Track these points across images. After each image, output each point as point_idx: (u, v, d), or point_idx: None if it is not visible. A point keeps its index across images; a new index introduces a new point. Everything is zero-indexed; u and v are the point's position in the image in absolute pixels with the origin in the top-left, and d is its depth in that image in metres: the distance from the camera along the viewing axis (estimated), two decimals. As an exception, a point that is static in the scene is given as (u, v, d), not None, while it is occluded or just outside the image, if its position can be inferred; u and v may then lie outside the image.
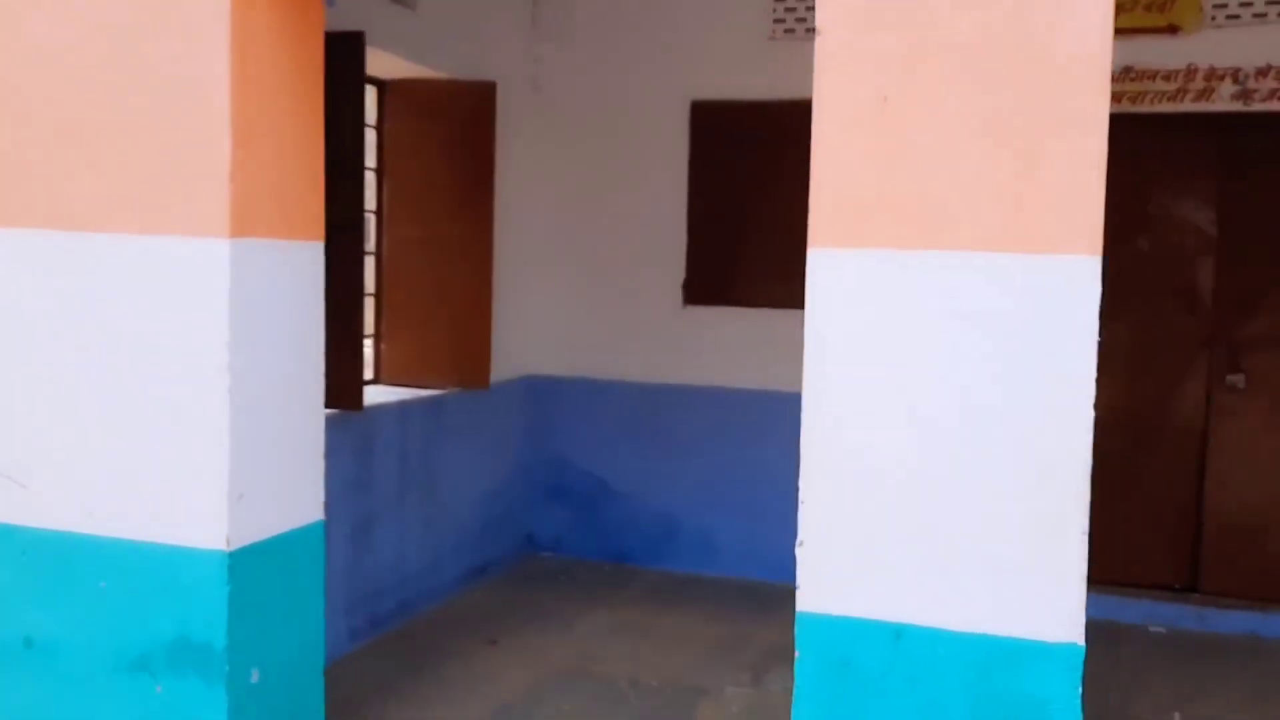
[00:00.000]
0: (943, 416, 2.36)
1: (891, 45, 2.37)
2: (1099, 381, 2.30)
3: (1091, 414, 2.30)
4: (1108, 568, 5.32)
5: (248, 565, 2.81)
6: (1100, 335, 5.35)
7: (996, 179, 2.32)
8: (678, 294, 5.97)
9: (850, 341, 2.41)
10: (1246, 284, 5.28)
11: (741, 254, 5.90)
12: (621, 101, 5.97)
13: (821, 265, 2.42)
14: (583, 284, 6.11)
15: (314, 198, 3.06)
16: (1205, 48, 5.12)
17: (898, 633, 2.40)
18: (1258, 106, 5.10)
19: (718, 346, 5.91)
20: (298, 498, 3.00)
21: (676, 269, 5.97)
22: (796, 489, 5.62)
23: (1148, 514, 5.48)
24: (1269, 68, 5.05)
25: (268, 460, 2.89)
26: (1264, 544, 5.29)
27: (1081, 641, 2.32)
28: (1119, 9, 2.28)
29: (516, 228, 5.75)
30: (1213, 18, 5.10)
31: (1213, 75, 5.13)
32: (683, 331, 5.97)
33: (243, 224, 2.77)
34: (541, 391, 6.15)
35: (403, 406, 5.00)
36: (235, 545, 2.77)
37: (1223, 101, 5.14)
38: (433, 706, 4.12)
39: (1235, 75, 5.10)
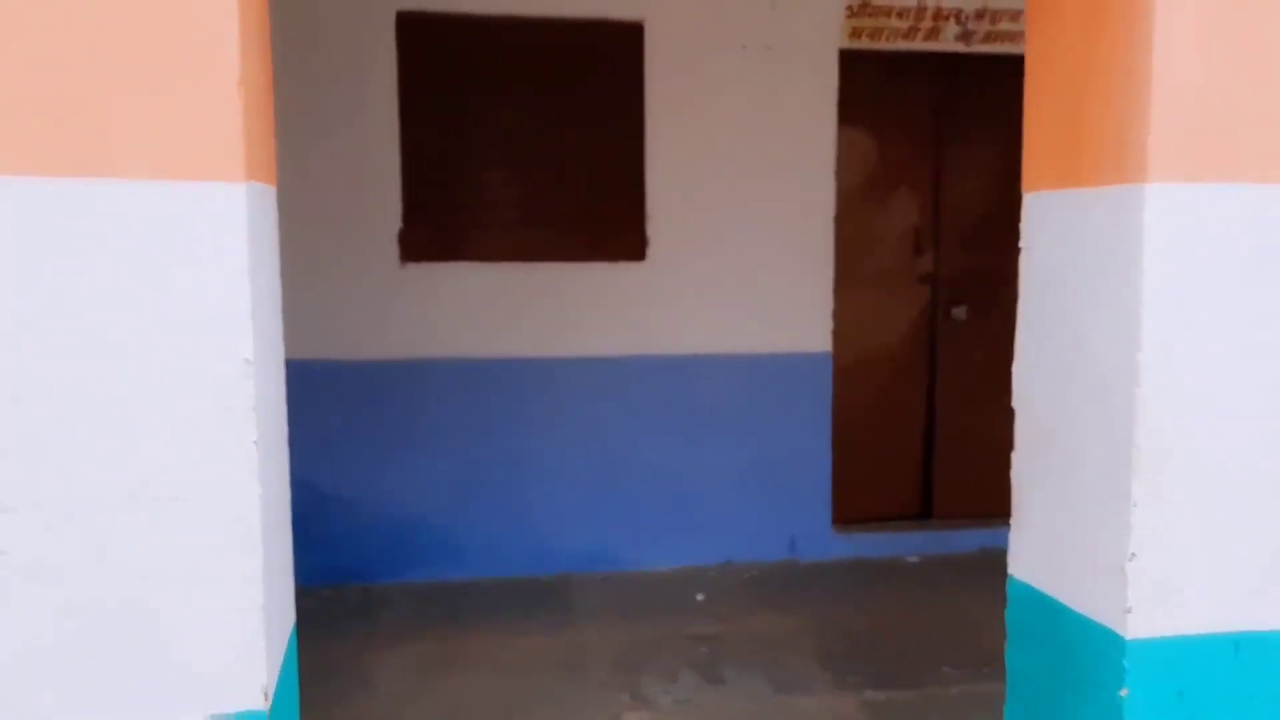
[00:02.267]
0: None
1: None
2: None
3: None
4: (856, 507, 5.37)
5: None
6: (835, 275, 5.30)
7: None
8: (393, 249, 4.90)
9: (1190, 300, 1.90)
10: (965, 221, 5.53)
11: (471, 199, 4.97)
12: (311, 11, 4.70)
13: (1160, 204, 1.87)
14: (268, 241, 4.77)
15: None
16: (933, -13, 5.21)
17: (1236, 644, 1.99)
18: (976, 48, 5.30)
19: (446, 310, 4.96)
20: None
21: (390, 219, 4.88)
22: (559, 469, 5.07)
23: (885, 448, 5.60)
24: (986, 10, 5.26)
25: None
26: (986, 465, 5.63)
27: None
28: None
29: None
30: (938, -42, 5.20)
31: (939, 15, 5.24)
32: (401, 294, 4.92)
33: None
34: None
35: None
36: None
37: (947, 42, 5.28)
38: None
39: (958, 16, 5.25)
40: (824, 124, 5.17)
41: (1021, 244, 2.26)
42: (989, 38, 5.28)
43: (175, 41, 1.50)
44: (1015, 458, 2.30)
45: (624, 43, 4.98)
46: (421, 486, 4.96)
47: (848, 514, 5.49)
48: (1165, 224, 1.89)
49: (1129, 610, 1.95)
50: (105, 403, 1.55)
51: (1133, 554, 1.94)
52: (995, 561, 5.26)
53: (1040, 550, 2.22)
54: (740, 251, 5.15)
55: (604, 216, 5.07)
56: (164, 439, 1.54)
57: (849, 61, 5.18)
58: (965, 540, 5.49)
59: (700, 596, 4.88)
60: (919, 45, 5.25)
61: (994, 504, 5.52)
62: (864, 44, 5.18)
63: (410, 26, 4.81)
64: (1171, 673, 1.98)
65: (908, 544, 5.47)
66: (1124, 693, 1.97)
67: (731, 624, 4.55)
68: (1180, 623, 1.97)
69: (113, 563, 1.54)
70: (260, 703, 1.60)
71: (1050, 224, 2.17)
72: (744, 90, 5.06)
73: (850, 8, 5.14)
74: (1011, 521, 2.32)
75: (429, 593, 4.87)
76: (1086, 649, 2.07)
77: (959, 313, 5.51)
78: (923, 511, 5.64)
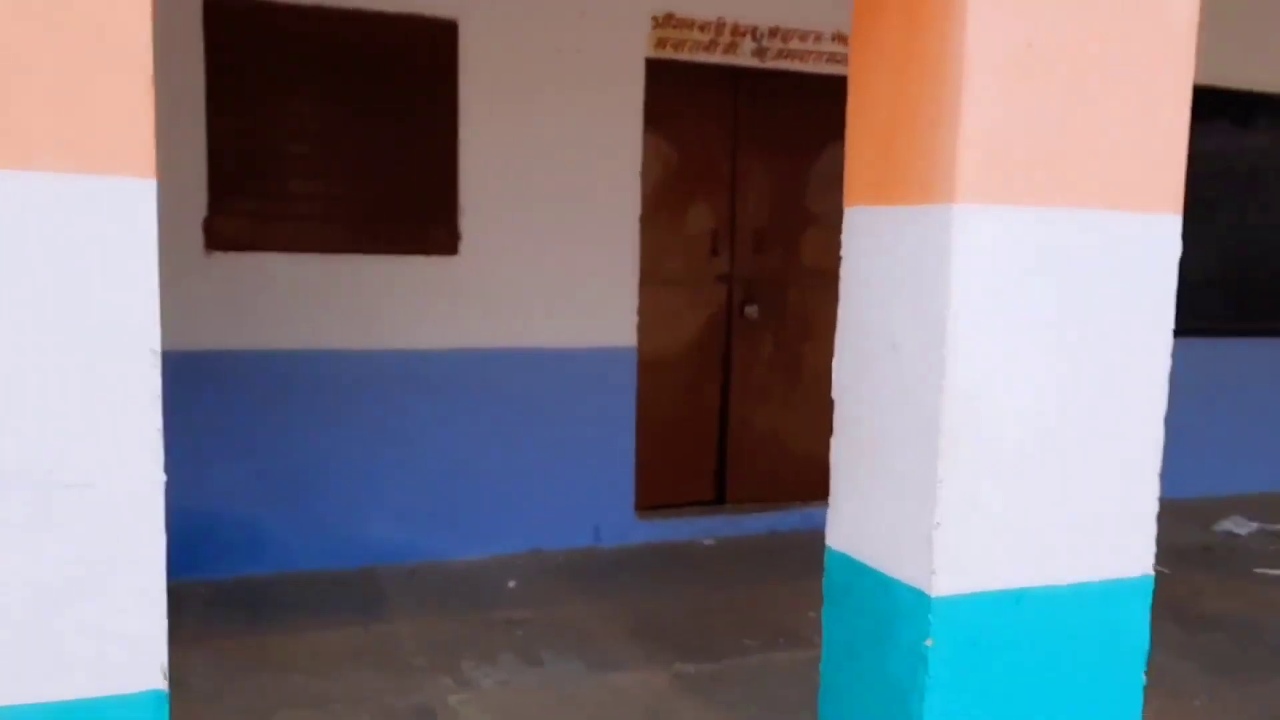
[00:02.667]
0: (1059, 379, 2.32)
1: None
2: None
3: (1167, 364, 2.43)
4: (657, 494, 5.68)
5: None
6: (640, 274, 5.56)
7: (1118, 135, 2.30)
8: (199, 237, 4.78)
9: (987, 306, 2.23)
10: (758, 224, 5.91)
11: (280, 190, 4.92)
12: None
13: (964, 222, 2.18)
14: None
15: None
16: (733, 4, 5.54)
17: (1018, 599, 2.35)
18: (770, 64, 5.68)
19: (253, 301, 4.89)
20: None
21: (197, 207, 4.77)
22: (365, 462, 5.07)
23: (683, 438, 5.91)
24: (779, 29, 5.64)
25: None
26: (774, 453, 6.05)
27: (1152, 571, 2.49)
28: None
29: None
30: (736, -24, 5.54)
31: (737, 30, 5.58)
32: (207, 286, 4.81)
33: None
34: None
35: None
36: None
37: (744, 57, 5.63)
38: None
39: (753, 33, 5.60)
40: (630, 129, 5.41)
41: (842, 253, 2.54)
42: (781, 55, 5.67)
43: (94, 38, 1.52)
44: (834, 443, 2.58)
45: (438, 40, 5.05)
46: (223, 480, 4.86)
47: (649, 501, 5.76)
48: (968, 240, 2.20)
49: (934, 572, 2.26)
50: (15, 391, 1.56)
51: (938, 523, 2.25)
52: (783, 542, 5.71)
53: (855, 524, 2.51)
54: (550, 249, 5.31)
55: (417, 211, 5.12)
56: (72, 427, 1.57)
57: (655, 70, 5.44)
58: (755, 524, 5.87)
59: (512, 584, 5.02)
60: (718, 58, 5.57)
61: (781, 491, 5.98)
62: (669, 54, 5.45)
63: (218, 14, 4.71)
64: (968, 624, 2.31)
65: (704, 528, 5.80)
66: (929, 643, 2.28)
67: (544, 608, 4.72)
68: (975, 582, 2.30)
69: (21, 548, 1.55)
70: (160, 681, 1.65)
71: (867, 236, 2.46)
72: (556, 92, 5.23)
73: (656, 19, 5.40)
74: (830, 500, 2.60)
75: (231, 589, 4.79)
76: (897, 607, 2.37)
77: (751, 311, 5.89)
78: (717, 497, 5.99)
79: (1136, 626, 2.48)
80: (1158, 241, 2.36)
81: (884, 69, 2.39)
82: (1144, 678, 2.49)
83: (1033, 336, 2.26)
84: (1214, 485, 6.71)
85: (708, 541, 5.76)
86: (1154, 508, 2.46)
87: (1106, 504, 2.41)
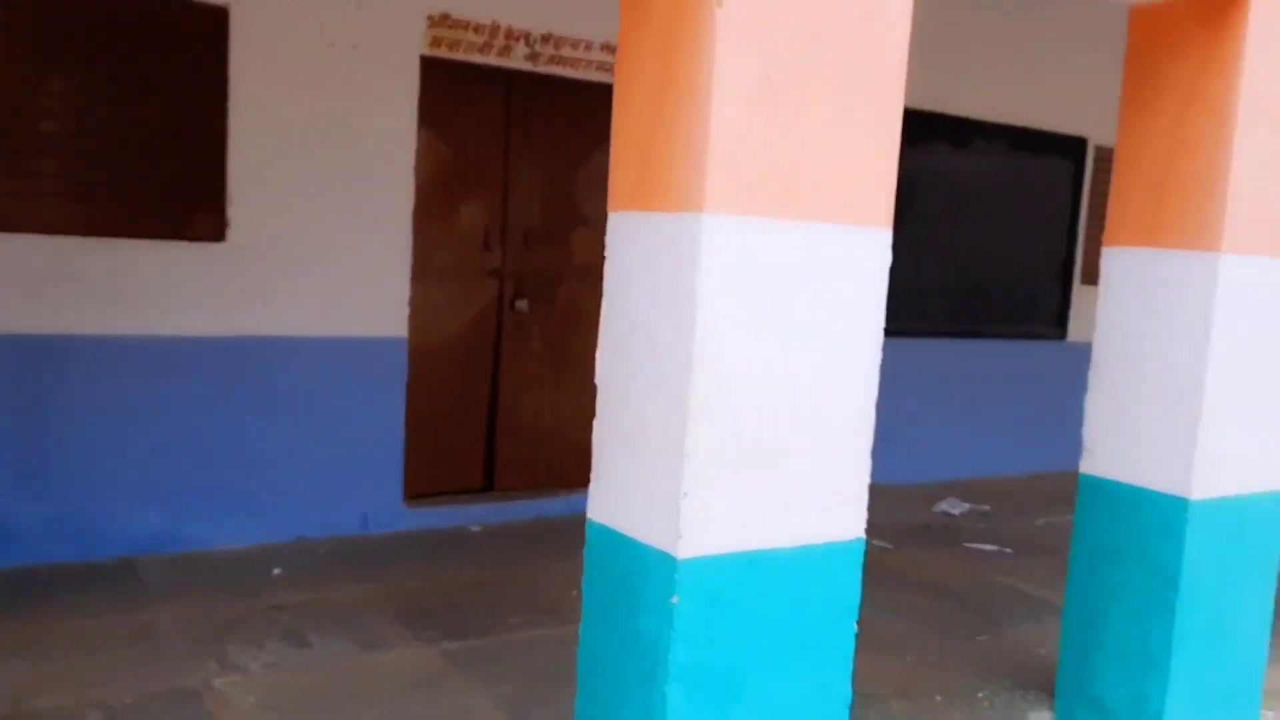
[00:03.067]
0: (788, 368, 2.67)
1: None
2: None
3: (877, 358, 2.81)
4: (426, 482, 5.84)
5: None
6: (413, 267, 5.70)
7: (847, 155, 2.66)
8: (-59, 214, 4.55)
9: (729, 304, 2.54)
10: (527, 222, 6.13)
11: (28, 168, 4.74)
12: None
13: (713, 230, 2.49)
14: None
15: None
16: (507, 8, 5.73)
17: (751, 560, 2.68)
18: (542, 68, 5.92)
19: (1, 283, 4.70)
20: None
21: (-60, 181, 4.54)
22: (123, 450, 4.94)
23: (453, 427, 6.06)
24: (550, 36, 5.89)
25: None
26: (541, 441, 6.30)
27: (863, 535, 2.88)
28: None
29: None
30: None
31: (510, 34, 5.78)
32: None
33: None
34: None
35: None
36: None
37: (518, 60, 5.84)
38: None
39: (526, 38, 5.83)
40: (405, 125, 5.52)
41: (606, 253, 2.80)
42: (553, 60, 5.92)
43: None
44: (596, 425, 2.84)
45: (207, 25, 5.00)
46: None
47: (418, 489, 5.89)
48: (713, 245, 2.50)
49: (680, 537, 2.56)
50: None
51: (685, 493, 2.55)
52: (549, 527, 5.98)
53: (614, 497, 2.78)
54: (322, 239, 5.35)
55: (181, 196, 5.05)
56: None
57: (430, 68, 5.57)
58: (522, 510, 6.10)
59: (277, 571, 5.04)
60: (493, 60, 5.76)
61: (548, 478, 6.24)
62: (444, 53, 5.60)
63: (-31, -21, 4.50)
64: (709, 583, 2.61)
65: (471, 515, 5.98)
66: (675, 600, 2.57)
67: (311, 594, 4.78)
68: (716, 544, 2.61)
69: None
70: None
71: (628, 238, 2.73)
72: (330, 85, 5.28)
73: (431, 18, 5.53)
74: (591, 477, 2.86)
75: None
76: (647, 570, 2.65)
77: (521, 305, 6.11)
78: (486, 485, 6.18)
79: (850, 585, 2.87)
80: (871, 251, 2.75)
81: (645, 87, 2.67)
82: (855, 628, 2.88)
83: (767, 331, 2.59)
84: (935, 471, 7.47)
85: (475, 528, 5.94)
86: (865, 480, 2.85)
87: (825, 477, 2.78)
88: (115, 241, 4.90)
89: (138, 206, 4.94)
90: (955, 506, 6.96)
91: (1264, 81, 3.54)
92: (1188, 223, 3.64)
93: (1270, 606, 3.98)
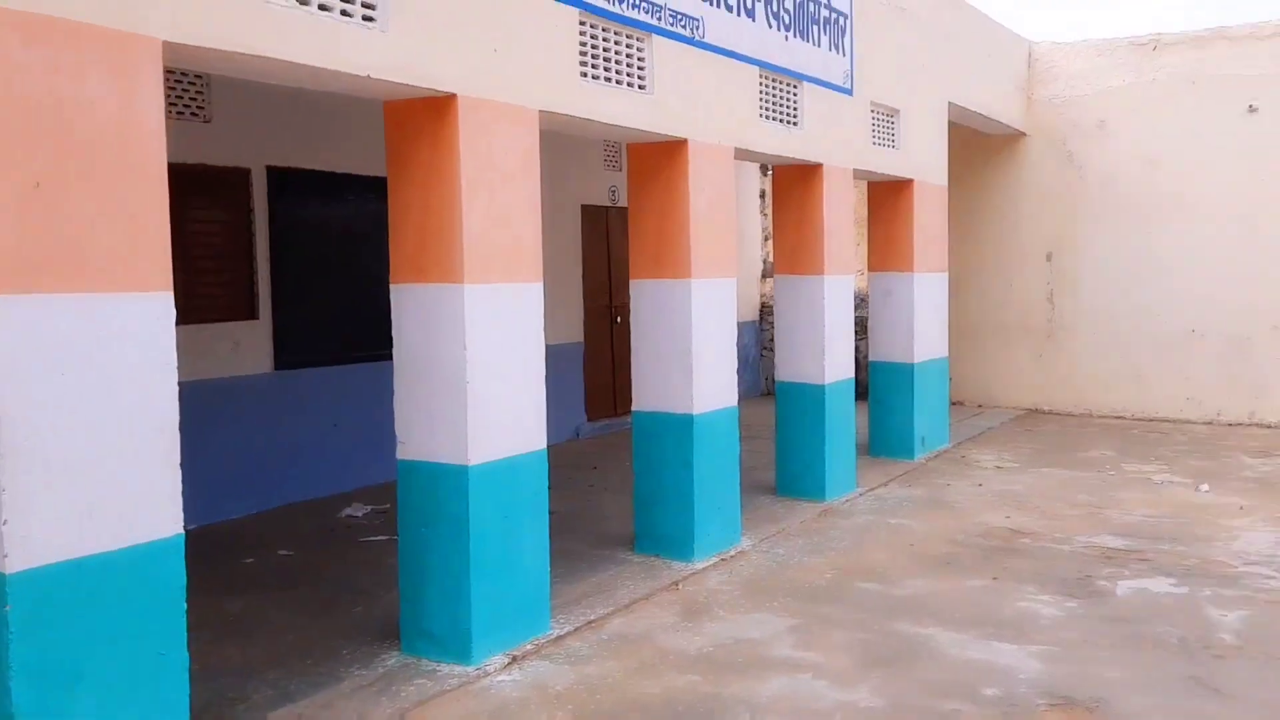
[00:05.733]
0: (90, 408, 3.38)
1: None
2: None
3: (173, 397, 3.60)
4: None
5: None
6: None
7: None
8: None
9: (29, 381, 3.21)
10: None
11: None
12: None
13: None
14: None
15: None
16: None
17: (77, 566, 3.36)
18: None
19: None
20: None
21: None
22: None
23: None
24: None
25: None
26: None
27: (183, 530, 3.66)
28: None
29: None
30: None
31: None
32: None
33: None
34: None
35: None
36: None
37: None
38: None
39: None
40: None
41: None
42: None
43: None
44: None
45: None
46: None
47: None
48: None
49: (6, 555, 3.17)
50: None
51: (5, 520, 3.17)
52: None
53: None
54: None
55: None
56: None
57: None
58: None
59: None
60: None
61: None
62: None
63: None
64: (38, 591, 3.24)
65: None
66: (8, 608, 3.18)
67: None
68: (35, 557, 3.24)
69: None
70: None
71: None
72: None
73: None
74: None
75: None
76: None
77: None
78: None
79: (175, 576, 3.62)
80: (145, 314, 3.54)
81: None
82: (186, 608, 3.64)
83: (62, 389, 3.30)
84: (341, 483, 8.40)
85: None
86: (177, 487, 3.63)
87: (137, 488, 3.52)
88: None
89: None
90: (359, 510, 7.92)
91: (478, 159, 4.83)
92: (443, 261, 4.85)
93: (546, 535, 5.35)
